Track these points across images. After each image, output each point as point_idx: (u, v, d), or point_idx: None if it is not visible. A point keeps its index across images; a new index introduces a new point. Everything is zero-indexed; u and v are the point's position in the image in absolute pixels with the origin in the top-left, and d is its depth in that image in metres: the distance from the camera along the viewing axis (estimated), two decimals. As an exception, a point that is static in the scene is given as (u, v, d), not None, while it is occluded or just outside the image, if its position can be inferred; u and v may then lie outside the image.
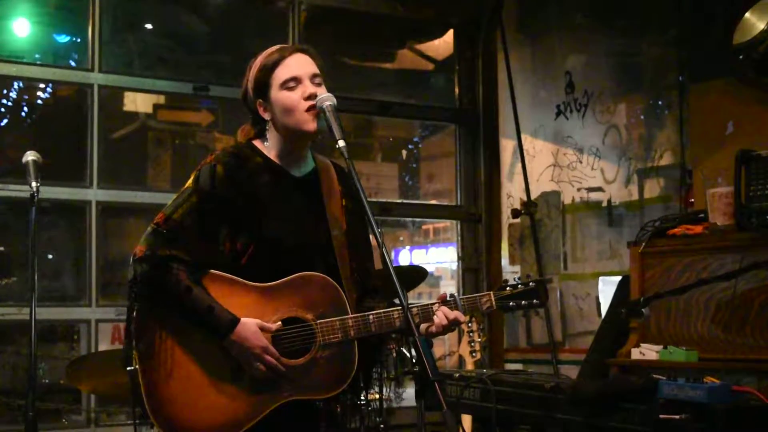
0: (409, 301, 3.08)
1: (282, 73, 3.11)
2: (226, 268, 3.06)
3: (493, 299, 3.21)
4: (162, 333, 3.02)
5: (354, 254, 3.23)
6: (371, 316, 3.05)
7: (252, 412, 3.00)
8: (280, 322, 3.03)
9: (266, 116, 3.16)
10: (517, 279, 3.29)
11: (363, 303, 3.21)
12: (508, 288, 3.25)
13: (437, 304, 3.11)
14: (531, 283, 3.25)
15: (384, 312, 3.06)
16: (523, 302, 3.24)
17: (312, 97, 3.07)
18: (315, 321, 3.04)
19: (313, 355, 3.03)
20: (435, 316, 3.09)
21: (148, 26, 7.58)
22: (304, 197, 3.19)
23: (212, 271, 3.04)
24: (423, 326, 3.12)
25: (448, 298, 3.14)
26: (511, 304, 3.24)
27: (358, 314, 3.07)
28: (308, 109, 3.07)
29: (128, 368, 3.05)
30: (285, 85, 3.09)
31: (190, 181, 3.11)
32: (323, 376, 3.04)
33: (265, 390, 3.01)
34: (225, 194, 3.07)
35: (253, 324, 2.98)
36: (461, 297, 3.15)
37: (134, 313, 3.03)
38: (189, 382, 3.00)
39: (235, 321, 2.96)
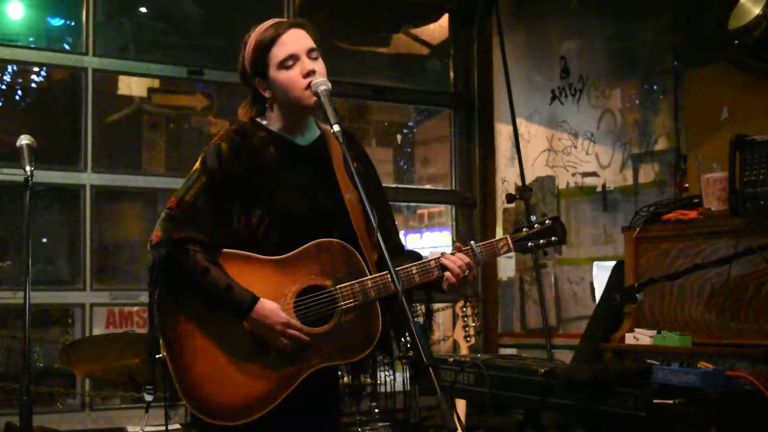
0: (426, 258, 3.14)
1: (279, 52, 3.09)
2: (243, 244, 3.07)
3: (510, 242, 3.21)
4: (185, 316, 3.03)
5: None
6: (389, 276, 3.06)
7: (283, 385, 3.02)
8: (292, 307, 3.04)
9: (267, 94, 3.16)
10: (533, 218, 3.29)
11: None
12: (524, 229, 3.24)
13: (454, 252, 3.14)
14: (547, 221, 3.24)
15: (402, 269, 3.07)
16: (541, 241, 3.24)
17: (310, 73, 3.07)
18: (334, 287, 3.05)
19: (336, 320, 3.04)
20: (445, 260, 3.10)
21: (143, 10, 7.56)
22: (312, 165, 3.19)
23: (226, 250, 3.05)
24: (444, 280, 3.14)
25: (464, 248, 3.15)
26: (529, 244, 3.23)
27: (377, 275, 3.08)
28: (308, 87, 3.07)
29: (156, 356, 3.07)
30: (283, 64, 3.08)
31: (197, 163, 3.12)
32: (349, 339, 3.06)
33: (294, 361, 3.02)
34: (232, 170, 3.07)
35: (271, 301, 3.00)
36: (478, 244, 3.17)
37: (156, 299, 3.05)
38: (217, 362, 3.01)
39: (255, 299, 2.97)
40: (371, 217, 2.83)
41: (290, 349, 3.00)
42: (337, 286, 3.05)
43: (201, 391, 3.01)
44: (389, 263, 2.76)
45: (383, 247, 2.78)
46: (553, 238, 3.25)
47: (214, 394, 3.01)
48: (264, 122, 3.20)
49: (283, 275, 3.05)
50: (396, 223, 3.45)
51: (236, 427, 3.02)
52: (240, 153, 3.10)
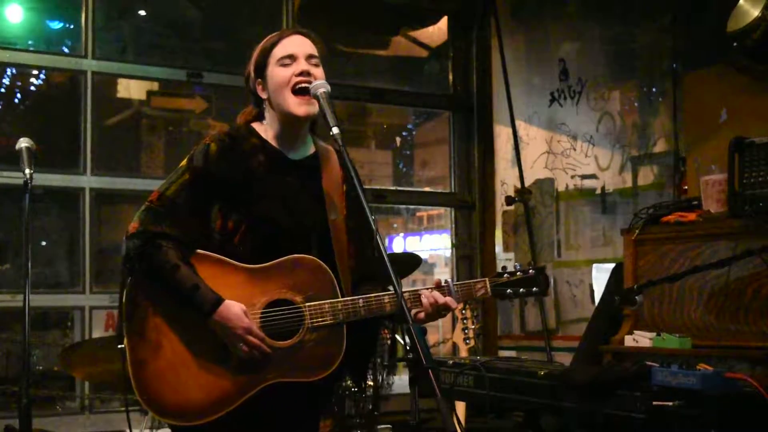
0: (403, 289, 3.06)
1: (279, 51, 3.14)
2: (218, 247, 3.07)
3: (488, 286, 3.18)
4: (152, 310, 3.02)
5: (353, 239, 3.23)
6: (361, 301, 3.05)
7: (237, 392, 3.00)
8: (259, 319, 3.02)
9: (263, 95, 3.19)
10: (517, 266, 3.23)
11: (360, 289, 3.20)
12: (505, 275, 3.20)
13: (430, 289, 3.09)
14: (531, 270, 3.20)
15: (375, 296, 3.06)
16: (521, 290, 3.19)
17: (304, 73, 3.09)
18: (304, 303, 3.04)
19: (300, 337, 3.03)
20: (424, 297, 3.06)
21: (142, 13, 7.56)
22: (299, 179, 3.19)
23: (202, 251, 3.05)
24: (413, 312, 3.09)
25: (442, 284, 3.11)
26: (508, 291, 3.19)
27: (348, 298, 3.06)
28: (297, 90, 3.08)
29: (119, 346, 3.06)
30: (280, 62, 3.12)
31: (184, 161, 3.14)
32: (310, 359, 3.03)
33: (252, 371, 3.00)
34: (217, 172, 3.08)
35: (237, 306, 2.98)
36: (455, 283, 3.13)
37: (126, 290, 3.05)
38: (176, 360, 3.00)
39: (219, 301, 2.96)
40: (371, 222, 2.81)
41: (249, 356, 2.99)
42: (307, 304, 3.04)
43: (153, 385, 3.00)
44: (394, 280, 2.74)
45: (384, 253, 2.76)
46: (534, 289, 3.20)
47: (165, 391, 3.00)
48: (260, 128, 3.21)
49: (255, 285, 3.04)
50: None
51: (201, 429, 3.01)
52: (227, 156, 3.10)
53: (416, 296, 3.09)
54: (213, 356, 3.01)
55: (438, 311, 3.08)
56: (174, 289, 2.99)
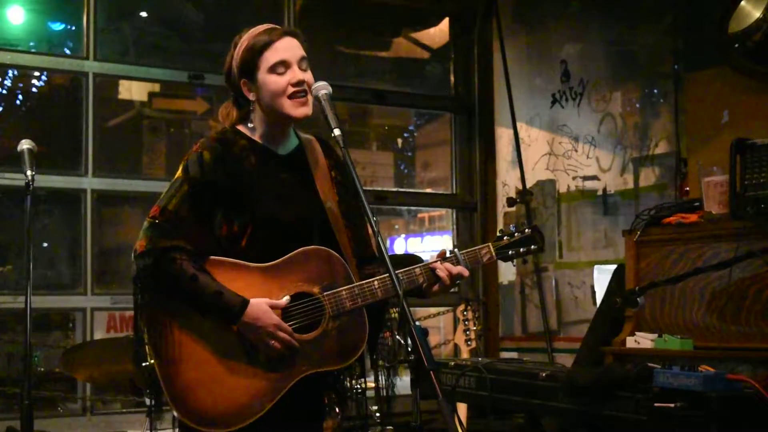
0: (415, 265, 3.14)
1: (271, 57, 3.11)
2: (226, 251, 3.07)
3: (492, 250, 3.24)
4: (172, 324, 3.03)
5: (348, 223, 3.25)
6: (376, 283, 3.07)
7: (273, 390, 3.01)
8: (288, 297, 3.04)
9: (251, 97, 3.17)
10: (512, 227, 3.33)
11: (363, 270, 3.23)
12: (505, 238, 3.29)
13: (439, 262, 3.14)
14: (527, 230, 3.30)
15: (388, 277, 3.07)
16: (521, 249, 3.29)
17: (300, 83, 3.09)
18: (322, 294, 3.06)
19: (324, 327, 3.05)
20: (439, 271, 3.11)
21: (143, 14, 7.57)
22: (292, 174, 3.20)
23: (213, 257, 3.05)
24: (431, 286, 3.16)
25: (448, 254, 3.17)
26: (510, 252, 3.28)
27: (364, 282, 3.09)
28: (294, 95, 3.09)
29: (143, 364, 3.07)
30: (274, 70, 3.10)
31: (179, 171, 3.12)
32: (337, 346, 3.06)
33: (282, 367, 3.02)
34: (215, 179, 3.08)
35: (264, 303, 3.00)
36: (461, 252, 3.18)
37: (142, 308, 3.05)
38: (205, 368, 3.01)
39: (245, 302, 2.98)
40: (371, 223, 2.84)
41: (279, 353, 3.00)
42: (325, 294, 3.06)
43: (189, 398, 3.01)
44: (390, 268, 2.78)
45: (385, 253, 2.79)
46: (532, 247, 3.31)
47: (203, 401, 3.01)
48: (245, 129, 3.21)
49: (271, 282, 3.06)
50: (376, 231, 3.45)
51: None
52: (221, 162, 3.10)
53: (430, 270, 3.13)
54: (241, 358, 3.02)
55: (453, 281, 3.15)
56: (195, 299, 2.99)
